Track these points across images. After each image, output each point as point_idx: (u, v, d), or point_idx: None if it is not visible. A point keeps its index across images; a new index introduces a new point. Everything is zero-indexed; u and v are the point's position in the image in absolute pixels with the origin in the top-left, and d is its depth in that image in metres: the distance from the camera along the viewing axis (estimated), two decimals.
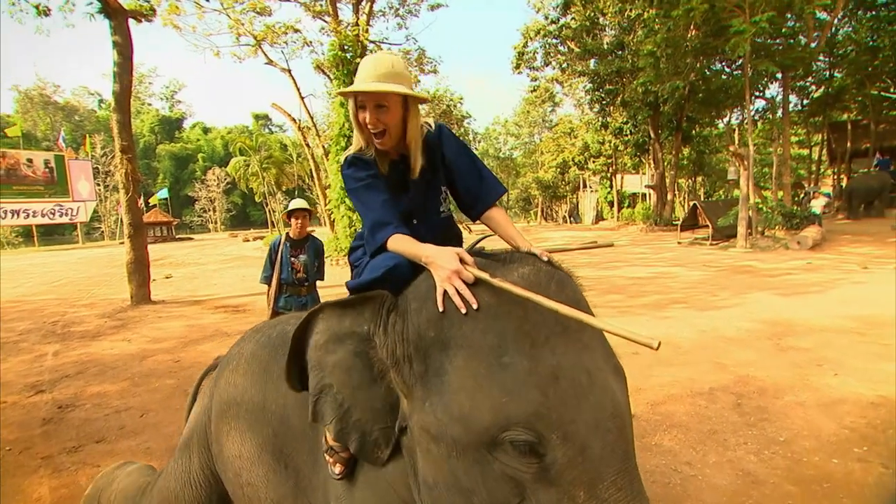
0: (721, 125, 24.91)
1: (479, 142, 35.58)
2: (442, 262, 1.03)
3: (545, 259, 1.09)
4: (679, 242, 15.67)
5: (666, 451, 2.87)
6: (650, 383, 3.92)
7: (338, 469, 1.19)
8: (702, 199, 29.39)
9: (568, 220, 35.85)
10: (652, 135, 22.28)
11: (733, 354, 4.55)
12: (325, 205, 17.67)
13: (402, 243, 1.19)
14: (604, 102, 24.13)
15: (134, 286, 8.50)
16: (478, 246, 1.21)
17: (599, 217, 32.85)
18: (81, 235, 34.09)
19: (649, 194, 25.63)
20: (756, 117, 19.96)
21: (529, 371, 0.90)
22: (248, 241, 27.21)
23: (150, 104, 60.46)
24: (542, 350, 0.93)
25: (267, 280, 3.85)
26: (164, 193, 37.67)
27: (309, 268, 3.82)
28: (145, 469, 2.18)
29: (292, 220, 3.79)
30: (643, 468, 2.74)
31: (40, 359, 5.39)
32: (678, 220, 18.98)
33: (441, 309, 0.99)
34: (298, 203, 3.82)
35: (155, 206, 35.48)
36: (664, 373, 4.14)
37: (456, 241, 1.42)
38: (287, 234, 3.88)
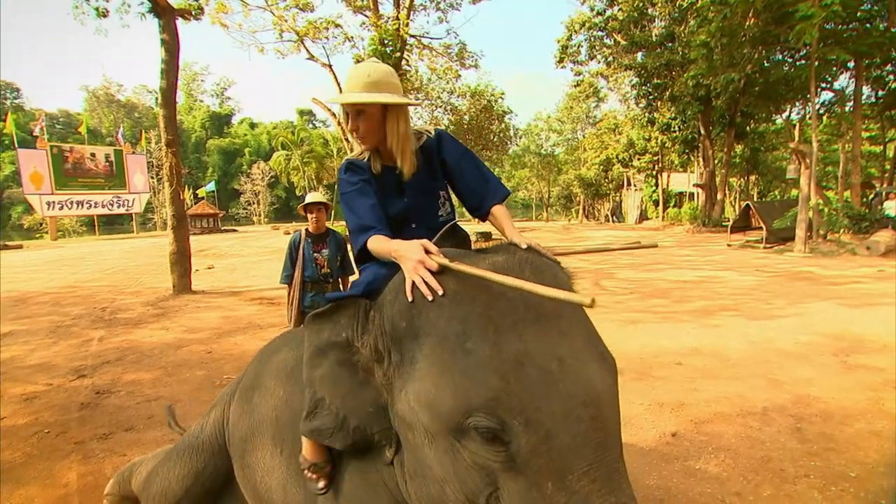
0: (779, 120, 23.35)
1: (521, 138, 34.92)
2: (407, 254, 1.06)
3: (524, 247, 1.10)
4: (729, 245, 14.81)
5: (712, 477, 2.58)
6: (694, 398, 3.60)
7: (321, 484, 1.25)
8: (755, 199, 27.76)
9: (610, 219, 34.82)
10: (702, 131, 21.18)
11: (790, 370, 4.13)
12: None
13: (377, 243, 1.23)
14: (651, 97, 23.15)
15: (176, 276, 8.79)
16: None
17: (644, 216, 31.67)
18: (136, 225, 36.12)
19: (697, 193, 24.42)
20: (821, 111, 18.41)
21: (491, 356, 0.89)
22: (288, 233, 27.87)
23: (201, 101, 63.22)
24: (507, 336, 0.91)
25: (288, 279, 3.76)
26: (211, 186, 39.24)
27: (332, 262, 3.72)
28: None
29: (309, 214, 3.67)
30: (685, 495, 2.49)
31: (87, 343, 5.62)
32: (728, 221, 17.94)
33: (410, 298, 1.01)
34: (315, 196, 3.70)
35: (203, 198, 37.04)
36: (710, 387, 3.80)
37: (462, 244, 1.41)
38: (306, 229, 3.77)
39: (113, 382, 4.30)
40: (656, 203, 29.85)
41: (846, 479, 2.55)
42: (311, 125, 57.67)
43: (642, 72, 21.86)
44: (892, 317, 5.76)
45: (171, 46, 8.48)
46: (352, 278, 3.69)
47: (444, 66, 20.38)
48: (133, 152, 32.17)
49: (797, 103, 19.93)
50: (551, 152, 40.84)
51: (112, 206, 31.00)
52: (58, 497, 2.55)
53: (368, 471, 1.19)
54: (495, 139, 26.31)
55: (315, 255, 3.69)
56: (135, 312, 7.35)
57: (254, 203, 49.80)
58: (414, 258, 1.04)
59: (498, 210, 1.41)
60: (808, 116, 16.38)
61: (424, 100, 21.67)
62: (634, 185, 33.41)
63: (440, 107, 23.49)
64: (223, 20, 14.85)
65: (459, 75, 21.24)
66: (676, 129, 22.62)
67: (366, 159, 1.42)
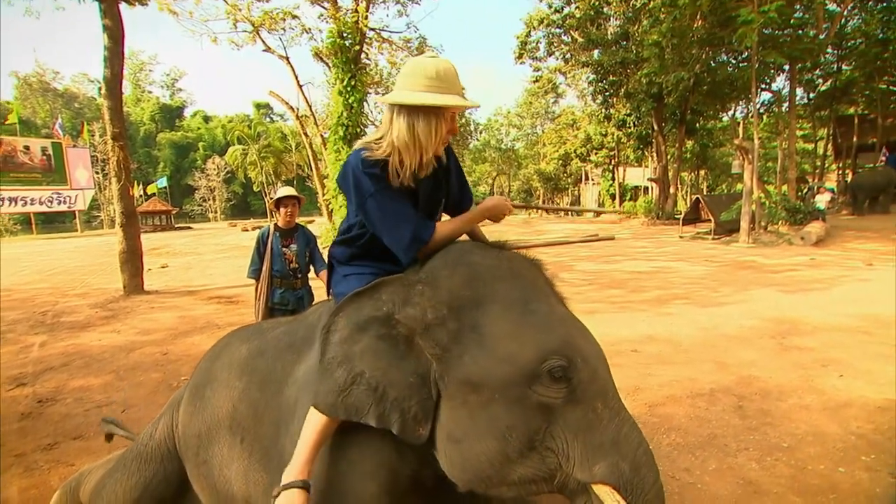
0: (725, 118, 24.60)
1: (481, 132, 35.15)
2: (498, 203, 1.47)
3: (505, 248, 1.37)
4: (681, 236, 15.50)
5: (663, 456, 2.74)
6: (649, 383, 3.79)
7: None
8: (704, 193, 29.19)
9: (569, 213, 35.65)
10: (655, 127, 21.99)
11: (735, 353, 4.41)
12: (324, 194, 17.48)
13: (448, 226, 1.37)
14: (607, 94, 23.79)
15: (126, 276, 8.37)
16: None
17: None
18: (80, 224, 33.96)
19: (652, 187, 25.39)
20: (762, 110, 19.62)
21: (551, 313, 1.17)
22: (246, 230, 27.08)
23: (150, 92, 60.04)
24: (550, 298, 1.25)
25: (255, 274, 3.65)
26: (163, 182, 37.46)
27: (301, 257, 3.66)
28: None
29: (281, 208, 3.58)
30: None
31: (26, 350, 5.28)
32: (680, 213, 18.78)
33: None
34: (287, 191, 3.62)
35: (154, 194, 35.29)
36: (664, 372, 4.01)
37: None
38: (275, 224, 3.70)
39: (57, 390, 4.06)
40: (613, 197, 30.83)
41: (780, 449, 2.77)
42: (268, 119, 55.89)
43: (599, 69, 22.42)
44: (821, 301, 6.25)
45: (115, 33, 8.01)
46: (321, 274, 3.59)
47: (403, 60, 20.21)
48: (74, 145, 30.09)
49: (741, 102, 21.06)
50: (511, 147, 41.35)
51: (52, 202, 28.85)
52: None
53: (354, 446, 1.26)
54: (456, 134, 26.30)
55: (284, 249, 3.60)
56: (81, 315, 6.96)
57: (209, 199, 47.92)
58: (507, 202, 1.46)
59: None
60: (750, 115, 17.36)
61: (383, 93, 21.43)
62: (592, 180, 34.34)
63: None
64: (172, 6, 14.15)
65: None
66: (631, 125, 23.37)
67: (383, 156, 1.29)
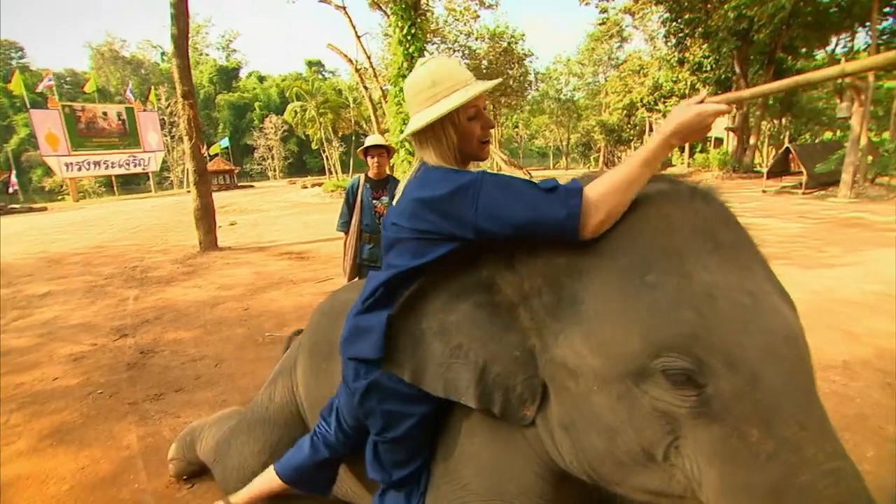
0: (820, 55, 21.70)
1: (540, 83, 33.29)
2: (689, 110, 0.96)
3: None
4: (764, 191, 14.18)
5: None
6: None
7: None
8: (785, 143, 26.39)
9: None
10: (737, 70, 19.81)
11: (864, 322, 3.87)
12: None
13: (607, 179, 0.94)
14: (681, 34, 21.56)
15: (202, 233, 8.70)
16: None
17: (667, 163, 30.54)
18: (154, 184, 36.20)
19: (728, 137, 23.25)
20: (881, 40, 16.61)
21: (680, 289, 0.81)
22: (305, 188, 27.77)
23: (207, 54, 61.46)
24: (693, 267, 0.83)
25: (344, 227, 3.46)
26: (225, 142, 38.76)
27: None
28: (234, 410, 2.28)
29: (368, 158, 3.33)
30: None
31: (123, 303, 5.60)
32: (760, 166, 17.10)
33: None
34: (375, 139, 3.36)
35: (217, 155, 36.72)
36: None
37: None
38: (366, 174, 3.45)
39: (155, 342, 4.25)
40: (681, 149, 28.64)
41: None
42: (320, 76, 55.94)
43: (674, 6, 20.24)
44: None
45: None
46: None
47: (462, 6, 19.12)
48: (144, 109, 31.68)
49: (843, 35, 18.33)
50: (571, 97, 39.07)
51: (129, 165, 30.94)
52: (122, 459, 2.50)
53: (505, 430, 1.07)
54: (514, 84, 25.07)
55: (374, 202, 3.38)
56: (165, 271, 7.32)
57: (268, 158, 49.38)
58: (704, 109, 0.94)
59: None
60: (855, 50, 15.02)
61: (441, 44, 20.53)
62: (657, 131, 32.00)
63: (457, 51, 22.28)
64: None
65: (478, 16, 19.95)
66: (709, 68, 21.20)
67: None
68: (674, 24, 21.40)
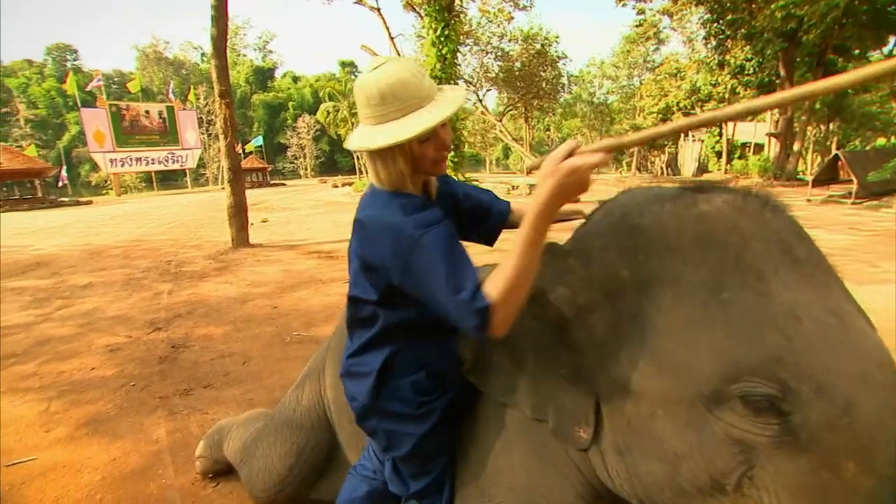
0: (874, 57, 20.56)
1: (573, 85, 32.79)
2: (558, 169, 0.84)
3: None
4: (809, 200, 13.51)
5: None
6: None
7: None
8: (833, 149, 25.10)
9: (666, 172, 32.77)
10: (782, 73, 18.98)
11: None
12: None
13: (501, 277, 0.88)
14: (723, 36, 20.83)
15: (234, 230, 8.89)
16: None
17: (703, 169, 29.59)
18: (190, 181, 37.46)
19: (769, 143, 22.33)
20: None
21: (761, 308, 0.75)
22: (336, 187, 28.18)
23: (245, 55, 63.27)
24: (772, 284, 0.77)
25: None
26: (259, 141, 39.75)
27: None
28: (260, 412, 2.28)
29: None
30: None
31: (157, 297, 5.75)
32: (803, 174, 16.31)
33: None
34: None
35: (251, 153, 37.69)
36: None
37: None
38: None
39: (186, 337, 4.33)
40: (719, 154, 27.70)
41: None
42: (353, 76, 56.74)
43: (716, 6, 19.58)
44: None
45: None
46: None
47: (496, 8, 19.01)
48: (184, 108, 32.89)
49: None
50: (604, 101, 38.37)
51: (167, 162, 32.16)
52: (151, 453, 2.53)
53: (548, 447, 1.04)
54: (547, 87, 24.76)
55: None
56: (198, 266, 7.50)
57: (300, 157, 50.40)
58: (576, 162, 0.83)
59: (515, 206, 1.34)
60: None
61: (474, 45, 20.46)
62: (692, 136, 31.05)
63: (490, 52, 22.18)
64: None
65: (512, 17, 19.80)
66: (751, 71, 20.42)
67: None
68: (715, 25, 20.70)
